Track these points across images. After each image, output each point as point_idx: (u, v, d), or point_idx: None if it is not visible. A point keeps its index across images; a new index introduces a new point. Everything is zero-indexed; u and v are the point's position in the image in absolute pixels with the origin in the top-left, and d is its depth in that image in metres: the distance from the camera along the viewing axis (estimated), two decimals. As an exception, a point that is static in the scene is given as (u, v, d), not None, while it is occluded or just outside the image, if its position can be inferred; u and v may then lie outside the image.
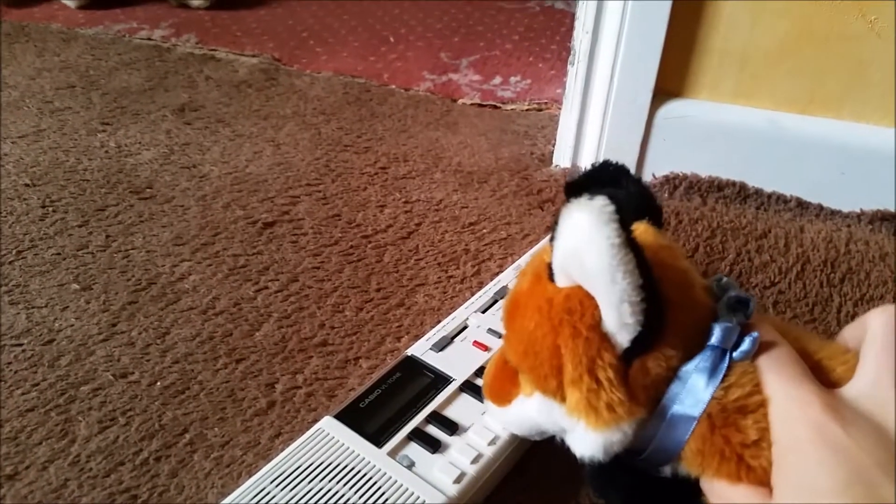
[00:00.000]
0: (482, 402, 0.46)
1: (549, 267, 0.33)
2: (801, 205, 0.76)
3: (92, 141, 0.86)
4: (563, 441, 0.37)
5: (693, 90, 0.78)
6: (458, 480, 0.40)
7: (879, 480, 0.26)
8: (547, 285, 0.33)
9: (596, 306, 0.31)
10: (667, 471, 0.35)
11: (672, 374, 0.32)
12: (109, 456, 0.46)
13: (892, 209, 0.73)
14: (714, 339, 0.32)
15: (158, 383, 0.52)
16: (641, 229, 0.35)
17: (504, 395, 0.39)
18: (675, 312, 0.31)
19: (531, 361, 0.34)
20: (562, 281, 0.33)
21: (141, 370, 0.53)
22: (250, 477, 0.41)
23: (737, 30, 0.72)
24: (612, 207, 0.29)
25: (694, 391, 0.31)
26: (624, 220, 0.29)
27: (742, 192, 0.77)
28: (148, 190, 0.76)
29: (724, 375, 0.31)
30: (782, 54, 0.72)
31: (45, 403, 0.50)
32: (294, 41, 1.23)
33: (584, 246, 0.29)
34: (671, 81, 0.77)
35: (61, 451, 0.46)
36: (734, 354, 0.32)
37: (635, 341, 0.31)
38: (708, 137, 0.76)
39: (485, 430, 0.44)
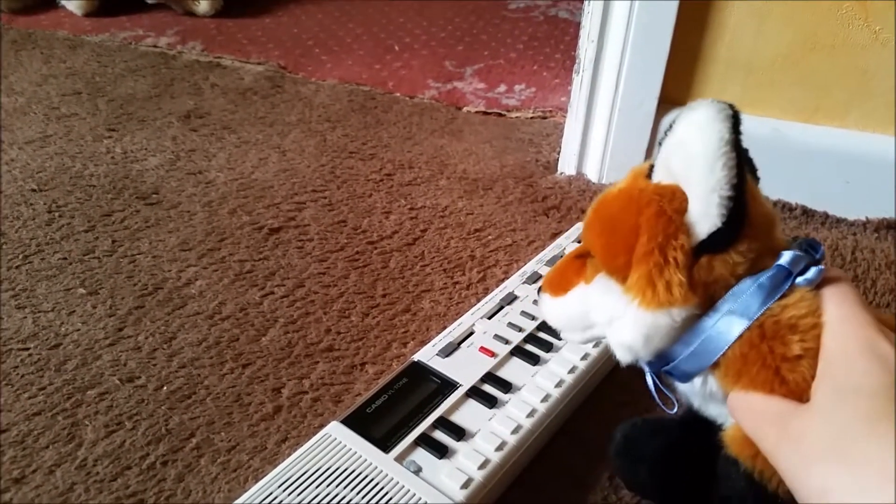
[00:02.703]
0: (489, 407, 0.46)
1: (650, 168, 0.36)
2: (807, 213, 0.76)
3: (98, 147, 0.86)
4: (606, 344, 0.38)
5: (698, 98, 0.78)
6: (465, 486, 0.40)
7: None
8: (643, 181, 0.36)
9: (685, 198, 0.33)
10: (695, 384, 0.36)
11: (734, 281, 0.33)
12: (116, 460, 0.46)
13: (897, 218, 0.73)
14: (782, 259, 0.34)
15: (165, 388, 0.52)
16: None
17: (563, 284, 0.41)
18: (753, 229, 0.33)
19: (607, 238, 0.36)
20: (660, 177, 0.35)
21: (147, 375, 0.53)
22: (257, 482, 0.41)
23: (742, 38, 0.72)
24: (730, 111, 0.32)
25: (750, 301, 0.33)
26: (736, 126, 0.32)
27: (747, 201, 0.77)
28: (154, 196, 0.77)
29: (784, 296, 0.33)
30: (787, 63, 0.72)
31: (51, 407, 0.50)
32: (299, 49, 1.24)
33: (696, 135, 0.32)
34: (676, 89, 0.77)
35: (68, 455, 0.46)
36: (798, 280, 0.34)
37: (711, 235, 0.32)
38: (713, 145, 0.76)
39: (492, 435, 0.44)
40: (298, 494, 0.39)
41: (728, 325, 0.33)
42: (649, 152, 0.78)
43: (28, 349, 0.55)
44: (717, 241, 0.33)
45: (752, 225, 0.33)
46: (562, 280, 0.41)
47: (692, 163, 0.32)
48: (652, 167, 0.36)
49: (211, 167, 0.83)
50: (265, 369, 0.54)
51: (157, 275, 0.64)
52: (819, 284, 0.34)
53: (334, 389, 0.53)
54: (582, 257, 0.40)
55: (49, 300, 0.60)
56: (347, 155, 0.87)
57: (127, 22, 1.32)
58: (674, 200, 0.33)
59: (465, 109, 1.03)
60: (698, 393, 0.36)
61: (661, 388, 0.39)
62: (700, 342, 0.34)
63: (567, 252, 0.50)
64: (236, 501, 0.39)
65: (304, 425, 0.49)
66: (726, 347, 0.33)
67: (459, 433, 0.44)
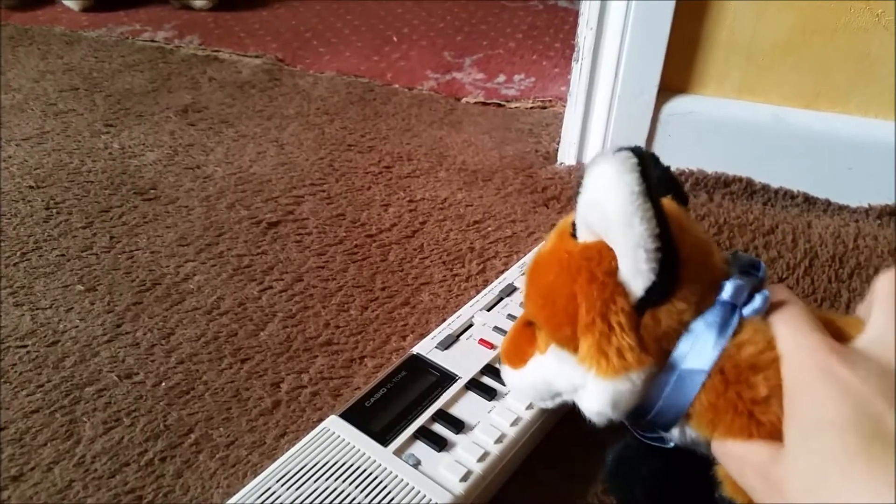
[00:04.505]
0: (489, 399, 0.45)
1: (573, 226, 0.34)
2: (809, 200, 0.75)
3: (96, 143, 0.86)
4: (575, 406, 0.37)
5: (698, 86, 0.77)
6: (464, 479, 0.40)
7: (883, 410, 0.27)
8: (569, 241, 0.34)
9: (614, 256, 0.32)
10: (674, 434, 0.35)
11: (683, 329, 0.32)
12: (114, 457, 0.46)
13: (901, 204, 0.72)
14: (724, 294, 0.32)
15: (163, 384, 0.52)
16: (666, 202, 0.36)
17: (520, 355, 0.40)
18: (690, 270, 0.32)
19: (548, 311, 0.35)
20: (583, 235, 0.34)
21: (146, 371, 0.53)
22: (256, 477, 0.40)
23: (742, 24, 0.71)
24: (634, 159, 0.30)
25: (703, 346, 0.32)
26: (645, 173, 0.30)
27: (749, 188, 0.76)
28: (152, 191, 0.76)
29: (737, 332, 0.32)
30: (788, 48, 0.72)
31: (49, 405, 0.49)
32: (297, 41, 1.23)
33: (606, 193, 0.30)
34: (676, 77, 0.76)
35: (66, 453, 0.46)
36: (745, 311, 0.32)
37: (648, 291, 0.31)
38: (714, 133, 0.76)
39: (491, 428, 0.43)
40: (297, 489, 0.39)
41: (689, 376, 0.32)
42: (649, 141, 0.78)
43: (26, 346, 0.55)
44: (656, 295, 0.31)
45: (688, 264, 0.32)
46: (517, 350, 0.40)
47: (610, 224, 0.31)
48: (573, 223, 0.34)
49: (209, 161, 0.83)
50: (264, 364, 0.54)
51: (155, 270, 0.64)
52: (768, 309, 0.33)
53: (333, 383, 0.52)
54: (531, 325, 0.38)
55: (47, 297, 0.60)
56: (346, 148, 0.87)
57: (124, 17, 1.32)
58: (602, 262, 0.32)
59: (464, 100, 1.02)
60: (680, 441, 0.35)
61: (649, 435, 0.38)
62: (664, 398, 0.33)
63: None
64: (235, 496, 0.39)
65: (303, 420, 0.49)
66: (692, 398, 0.32)
67: (458, 426, 0.43)
